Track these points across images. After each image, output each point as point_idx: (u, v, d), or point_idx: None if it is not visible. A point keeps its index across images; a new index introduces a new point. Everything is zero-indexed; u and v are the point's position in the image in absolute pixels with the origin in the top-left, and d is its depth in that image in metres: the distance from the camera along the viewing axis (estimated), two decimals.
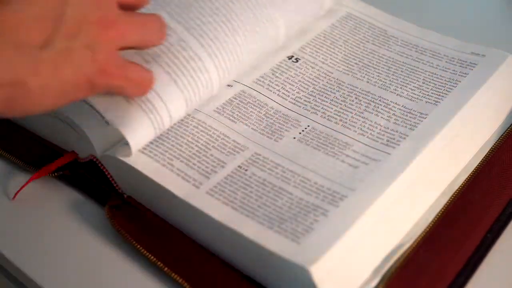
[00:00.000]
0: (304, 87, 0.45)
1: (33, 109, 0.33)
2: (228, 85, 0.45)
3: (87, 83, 0.33)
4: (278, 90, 0.45)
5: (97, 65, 0.33)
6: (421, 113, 0.42)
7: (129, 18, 0.35)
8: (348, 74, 0.47)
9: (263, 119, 0.43)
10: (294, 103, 0.44)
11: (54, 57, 0.31)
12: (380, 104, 0.43)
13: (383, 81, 0.45)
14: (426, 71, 0.46)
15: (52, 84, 0.32)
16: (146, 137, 0.39)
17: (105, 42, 0.33)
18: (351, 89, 0.45)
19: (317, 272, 0.32)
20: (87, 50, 0.32)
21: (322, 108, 0.43)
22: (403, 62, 0.48)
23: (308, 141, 0.41)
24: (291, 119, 0.43)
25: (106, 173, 0.41)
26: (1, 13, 0.30)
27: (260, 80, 0.45)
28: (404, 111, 0.43)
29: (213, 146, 0.40)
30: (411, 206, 0.38)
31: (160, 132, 0.40)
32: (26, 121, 0.47)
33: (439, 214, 0.38)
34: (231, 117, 0.42)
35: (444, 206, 0.39)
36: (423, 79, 0.45)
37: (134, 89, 0.37)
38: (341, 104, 0.44)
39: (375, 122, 0.42)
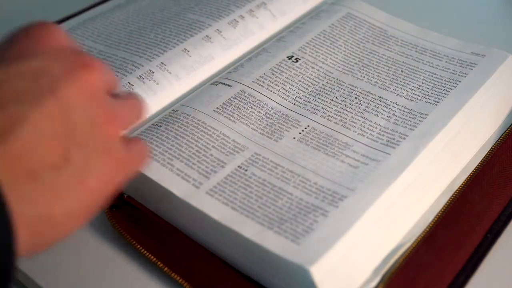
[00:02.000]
0: (304, 87, 0.45)
1: (63, 235, 0.29)
2: (227, 85, 0.45)
3: (113, 182, 0.31)
4: (278, 90, 0.45)
5: (117, 163, 0.30)
6: (421, 113, 0.42)
7: (124, 103, 0.33)
8: (348, 74, 0.47)
9: (263, 119, 0.43)
10: (294, 103, 0.44)
11: (74, 174, 0.28)
12: (380, 104, 0.43)
13: (383, 81, 0.45)
14: (426, 71, 0.46)
15: (79, 202, 0.29)
16: None
17: (115, 136, 0.31)
18: (351, 89, 0.45)
19: (317, 272, 0.32)
20: (104, 152, 0.29)
21: (322, 108, 0.43)
22: (403, 62, 0.48)
23: (308, 141, 0.41)
24: (291, 119, 0.43)
25: None
26: (7, 143, 0.26)
27: (260, 80, 0.45)
28: (404, 111, 0.43)
29: (213, 146, 0.40)
30: (411, 206, 0.38)
31: None
32: None
33: (439, 214, 0.38)
34: (231, 117, 0.42)
35: (444, 206, 0.39)
36: (423, 79, 0.45)
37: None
38: (341, 104, 0.44)
39: (375, 122, 0.42)
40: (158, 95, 0.45)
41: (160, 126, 0.42)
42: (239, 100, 0.44)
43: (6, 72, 0.27)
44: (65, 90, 0.28)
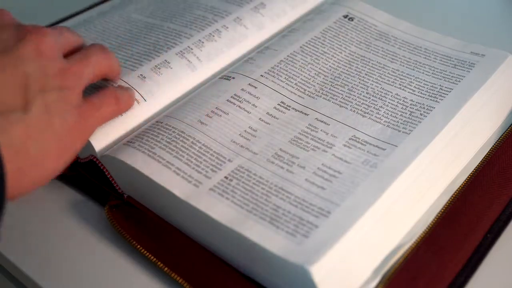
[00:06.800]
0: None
1: (43, 176, 0.35)
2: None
3: (77, 127, 0.36)
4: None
5: (77, 110, 0.36)
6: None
7: (77, 58, 0.38)
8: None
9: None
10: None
11: (39, 116, 0.33)
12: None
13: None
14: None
15: (48, 142, 0.34)
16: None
17: (69, 88, 0.36)
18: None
19: (317, 272, 0.32)
20: (59, 101, 0.35)
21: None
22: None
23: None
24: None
25: (106, 173, 0.41)
26: None
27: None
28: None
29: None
30: (411, 206, 0.38)
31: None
32: None
33: (439, 214, 0.38)
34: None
35: (444, 206, 0.39)
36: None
37: (118, 111, 0.41)
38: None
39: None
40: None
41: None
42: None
43: None
44: (15, 48, 0.34)
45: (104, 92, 0.39)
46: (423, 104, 0.43)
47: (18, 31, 0.35)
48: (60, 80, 0.35)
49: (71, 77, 0.36)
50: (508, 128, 0.45)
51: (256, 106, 0.43)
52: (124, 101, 0.41)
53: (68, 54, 0.38)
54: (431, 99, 0.43)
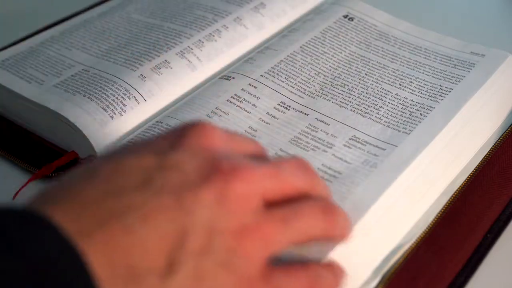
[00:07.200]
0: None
1: None
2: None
3: None
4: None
5: (239, 285, 0.25)
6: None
7: (282, 214, 0.27)
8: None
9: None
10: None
11: (180, 286, 0.24)
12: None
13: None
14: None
15: None
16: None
17: (246, 256, 0.25)
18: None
19: None
20: (223, 269, 0.25)
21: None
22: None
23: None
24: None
25: None
26: (113, 230, 0.23)
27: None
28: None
29: None
30: (411, 206, 0.38)
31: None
32: (26, 121, 0.47)
33: (439, 215, 0.38)
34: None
35: (444, 207, 0.39)
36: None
37: None
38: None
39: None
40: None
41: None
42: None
43: (141, 161, 0.26)
44: (191, 191, 0.25)
45: (299, 270, 0.28)
46: (423, 104, 0.43)
47: (211, 164, 0.26)
48: (235, 242, 0.25)
49: (255, 241, 0.25)
50: (508, 128, 0.45)
51: (256, 106, 0.43)
52: None
53: (282, 200, 0.28)
54: (431, 99, 0.43)
